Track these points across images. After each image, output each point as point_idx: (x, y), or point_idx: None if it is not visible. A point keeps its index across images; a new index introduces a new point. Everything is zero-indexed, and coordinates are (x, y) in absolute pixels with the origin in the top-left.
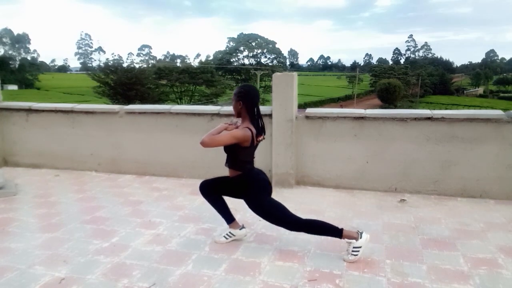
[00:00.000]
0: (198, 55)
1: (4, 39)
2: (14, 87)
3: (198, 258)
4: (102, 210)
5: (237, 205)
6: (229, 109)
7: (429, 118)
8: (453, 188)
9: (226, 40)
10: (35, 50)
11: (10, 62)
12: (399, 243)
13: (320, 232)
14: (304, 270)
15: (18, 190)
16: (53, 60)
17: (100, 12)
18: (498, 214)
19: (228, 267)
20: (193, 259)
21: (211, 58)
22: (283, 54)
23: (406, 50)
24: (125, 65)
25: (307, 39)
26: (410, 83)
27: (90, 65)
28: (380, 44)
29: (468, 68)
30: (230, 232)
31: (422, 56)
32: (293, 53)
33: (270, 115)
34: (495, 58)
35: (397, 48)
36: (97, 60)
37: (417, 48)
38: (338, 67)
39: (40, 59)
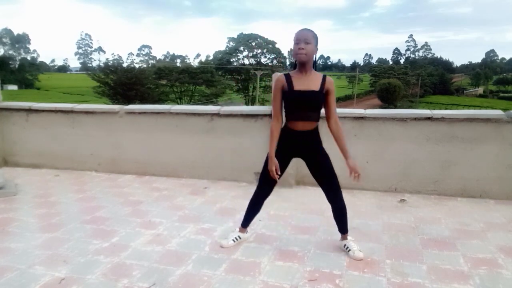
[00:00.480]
0: (198, 55)
1: (4, 39)
2: (14, 87)
3: (198, 258)
4: (102, 210)
5: (237, 205)
6: (229, 109)
7: (429, 118)
8: (453, 188)
9: (226, 40)
10: (35, 50)
11: (10, 62)
12: (399, 243)
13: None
14: (304, 270)
15: (18, 190)
16: (53, 60)
17: (100, 12)
18: (498, 214)
19: (228, 267)
20: (193, 259)
21: (211, 58)
22: (283, 54)
23: (406, 50)
24: (125, 65)
25: None
26: (410, 83)
27: (90, 65)
28: (380, 44)
29: (468, 68)
30: (239, 236)
31: (422, 56)
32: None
33: (270, 115)
34: (495, 58)
35: (397, 48)
36: (97, 60)
37: (417, 48)
38: (338, 67)
39: (40, 59)
